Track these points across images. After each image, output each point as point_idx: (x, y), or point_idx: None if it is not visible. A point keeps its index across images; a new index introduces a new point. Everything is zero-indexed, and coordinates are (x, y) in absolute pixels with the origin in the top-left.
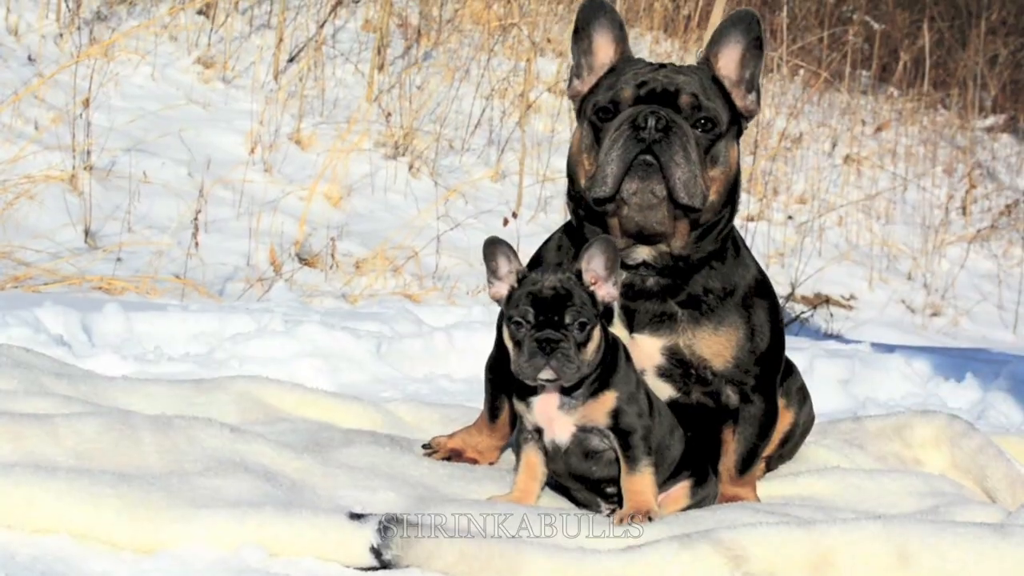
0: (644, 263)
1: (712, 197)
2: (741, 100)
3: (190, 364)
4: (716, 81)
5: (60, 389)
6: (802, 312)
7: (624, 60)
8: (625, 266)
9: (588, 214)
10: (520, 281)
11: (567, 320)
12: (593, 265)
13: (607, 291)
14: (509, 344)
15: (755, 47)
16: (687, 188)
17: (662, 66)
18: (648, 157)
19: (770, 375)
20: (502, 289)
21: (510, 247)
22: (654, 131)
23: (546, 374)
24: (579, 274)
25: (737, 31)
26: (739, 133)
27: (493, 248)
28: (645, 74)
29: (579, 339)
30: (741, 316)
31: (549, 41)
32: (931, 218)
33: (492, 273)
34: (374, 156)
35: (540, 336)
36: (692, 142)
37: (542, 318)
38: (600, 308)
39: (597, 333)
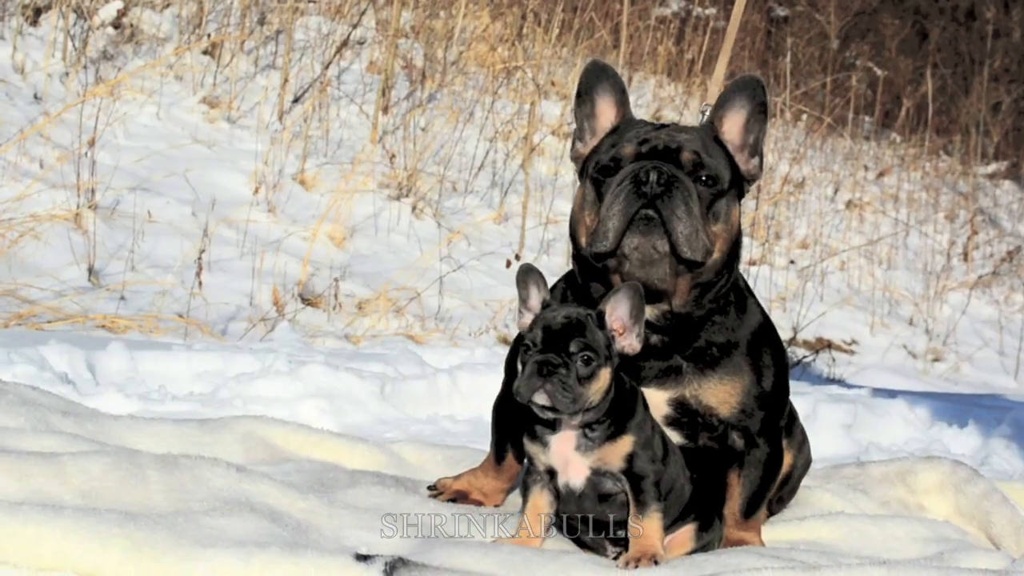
0: (646, 322)
1: (715, 255)
2: (744, 164)
3: (194, 403)
4: (719, 142)
5: (66, 427)
6: (804, 357)
7: (626, 121)
8: None
9: (591, 273)
10: (543, 309)
11: (572, 349)
12: (619, 312)
13: (630, 342)
14: (519, 367)
15: (759, 112)
16: (689, 243)
17: (664, 126)
18: (650, 212)
19: (775, 419)
20: (528, 319)
21: (541, 276)
22: (656, 186)
23: (540, 397)
24: (600, 315)
25: (742, 96)
26: (740, 195)
27: (526, 277)
28: (647, 132)
29: (582, 373)
30: (747, 363)
31: (553, 84)
32: (933, 264)
33: (523, 303)
34: (378, 197)
35: (540, 359)
36: (694, 197)
37: (548, 343)
38: (615, 355)
39: (604, 374)
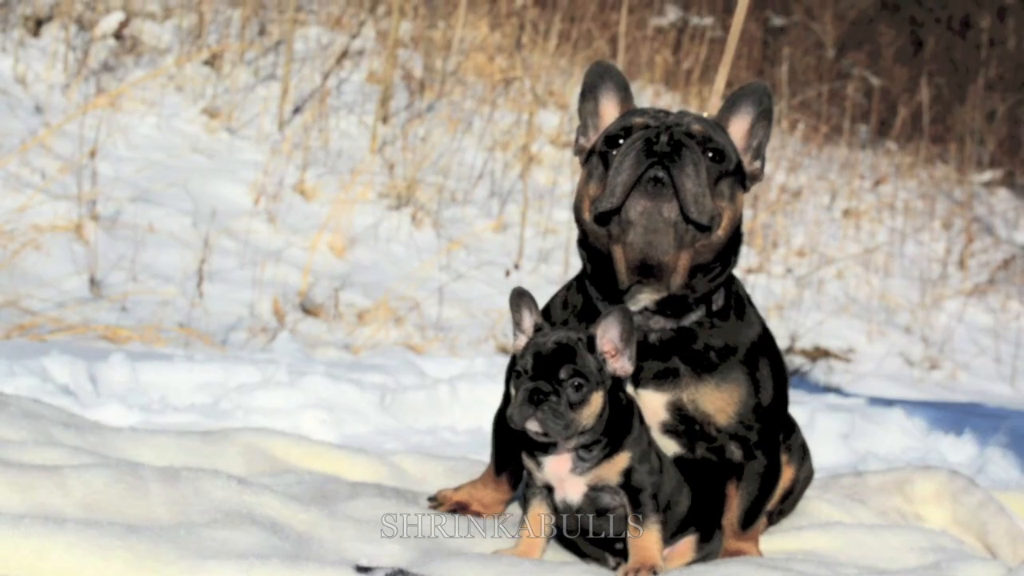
0: (645, 309)
1: (719, 232)
2: (748, 166)
3: (195, 414)
4: (725, 132)
5: (68, 440)
6: (801, 365)
7: (630, 110)
8: None
9: (594, 251)
10: (535, 334)
11: (561, 376)
12: (609, 335)
13: (622, 365)
14: (512, 392)
15: (764, 118)
16: (697, 203)
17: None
18: (659, 172)
19: (773, 431)
20: (522, 341)
21: (533, 300)
22: (666, 145)
23: (532, 425)
24: (591, 339)
25: (748, 102)
26: (744, 188)
27: (518, 300)
28: (655, 112)
29: (572, 399)
30: (744, 372)
31: (551, 94)
32: (929, 272)
33: (517, 326)
34: (377, 207)
35: (530, 387)
36: (703, 165)
37: (538, 370)
38: (608, 378)
39: (597, 399)
